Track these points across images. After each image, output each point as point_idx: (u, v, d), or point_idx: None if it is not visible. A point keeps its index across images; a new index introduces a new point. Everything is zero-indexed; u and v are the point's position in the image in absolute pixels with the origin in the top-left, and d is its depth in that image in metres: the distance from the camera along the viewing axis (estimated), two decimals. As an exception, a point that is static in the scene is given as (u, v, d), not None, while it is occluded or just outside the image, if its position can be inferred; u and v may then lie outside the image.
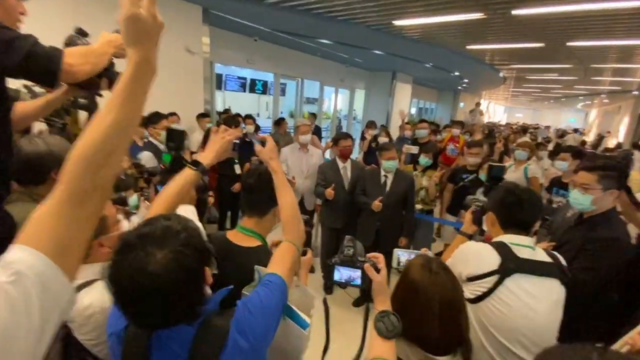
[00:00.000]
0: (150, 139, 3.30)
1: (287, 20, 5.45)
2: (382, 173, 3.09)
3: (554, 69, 8.98)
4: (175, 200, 1.08)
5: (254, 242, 1.24)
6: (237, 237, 1.26)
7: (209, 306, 0.82)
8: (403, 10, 4.63)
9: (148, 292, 0.67)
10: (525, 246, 1.29)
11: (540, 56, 7.22)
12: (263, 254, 1.19)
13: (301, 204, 3.59)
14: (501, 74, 10.59)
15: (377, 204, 2.93)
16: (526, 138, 8.39)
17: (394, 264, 1.38)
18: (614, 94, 14.01)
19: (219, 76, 8.48)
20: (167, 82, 4.60)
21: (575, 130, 17.17)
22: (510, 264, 1.23)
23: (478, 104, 9.89)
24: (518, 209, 1.33)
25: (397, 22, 5.21)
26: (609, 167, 1.66)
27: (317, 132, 7.09)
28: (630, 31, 4.87)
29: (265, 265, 1.01)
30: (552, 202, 3.49)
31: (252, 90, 9.31)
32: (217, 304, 0.85)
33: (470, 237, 1.64)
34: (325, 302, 1.23)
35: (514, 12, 4.28)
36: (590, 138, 16.34)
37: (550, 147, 7.08)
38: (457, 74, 10.68)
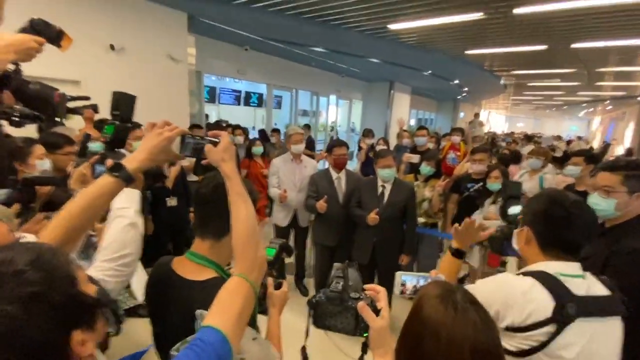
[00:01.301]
0: (122, 150, 3.03)
1: (278, 26, 5.29)
2: (379, 183, 2.82)
3: (557, 74, 8.83)
4: (79, 222, 0.80)
5: (206, 274, 0.94)
6: (184, 266, 0.97)
7: None
8: (398, 12, 4.46)
9: None
10: (576, 276, 1.03)
11: (543, 60, 7.06)
12: (217, 291, 0.89)
13: (295, 219, 3.31)
14: (502, 81, 10.46)
15: (372, 217, 2.67)
16: (532, 146, 8.21)
17: (396, 290, 1.10)
18: (618, 100, 13.88)
19: (213, 89, 8.36)
20: (149, 94, 4.38)
21: (579, 138, 17.00)
22: (570, 309, 0.96)
23: (477, 115, 9.64)
24: (566, 226, 1.05)
25: (393, 26, 5.04)
26: (634, 166, 1.46)
27: (310, 144, 6.85)
28: (638, 29, 4.69)
29: None
30: None
31: (246, 103, 9.17)
32: None
33: (460, 256, 1.33)
34: (304, 352, 0.93)
35: (516, 11, 4.10)
36: (595, 146, 16.15)
37: (558, 155, 6.83)
38: (456, 82, 10.55)
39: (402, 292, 1.09)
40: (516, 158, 5.31)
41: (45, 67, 3.78)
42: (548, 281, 1.00)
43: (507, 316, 0.99)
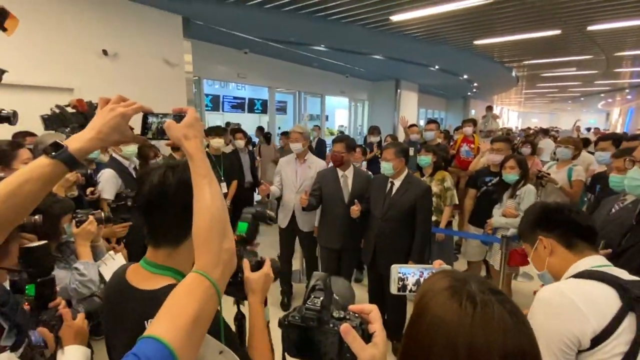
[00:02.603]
0: (114, 154, 2.93)
1: (275, 25, 5.21)
2: (389, 179, 2.63)
3: (572, 62, 8.53)
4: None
5: (162, 281, 0.79)
6: (138, 275, 0.83)
7: None
8: (400, 2, 4.31)
9: None
10: (608, 265, 1.04)
11: (556, 47, 6.80)
12: None
13: (293, 221, 3.15)
14: (513, 73, 10.18)
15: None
16: (549, 140, 7.89)
17: (393, 288, 0.88)
18: (638, 87, 13.40)
19: (216, 97, 8.39)
20: (144, 101, 4.29)
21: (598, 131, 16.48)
22: (636, 289, 0.93)
23: (490, 108, 9.33)
24: (574, 213, 1.11)
25: (396, 18, 4.90)
26: None
27: (320, 145, 6.72)
28: (662, 5, 4.43)
29: None
30: (599, 201, 2.97)
31: (251, 110, 9.18)
32: None
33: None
34: None
35: (526, -9, 3.91)
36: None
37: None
38: (465, 77, 10.33)
39: (401, 290, 0.88)
40: (534, 151, 5.04)
41: (37, 75, 3.80)
42: (596, 275, 0.97)
43: (584, 325, 0.91)
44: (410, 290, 0.85)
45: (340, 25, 5.18)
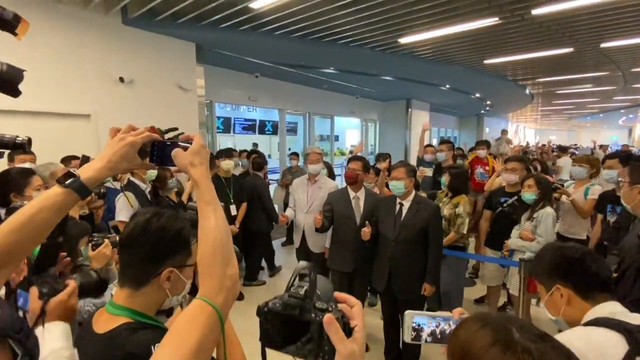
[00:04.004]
0: (132, 178, 3.04)
1: (286, 50, 5.41)
2: (397, 200, 2.63)
3: (588, 78, 8.50)
4: (13, 242, 0.70)
5: (118, 321, 0.85)
6: (101, 318, 0.88)
7: None
8: (407, 25, 4.45)
9: None
10: (622, 312, 1.04)
11: (570, 64, 6.82)
12: (121, 340, 0.80)
13: (304, 241, 3.19)
14: (527, 91, 10.18)
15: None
16: (567, 158, 7.75)
17: (407, 336, 0.84)
18: (661, 103, 13.17)
19: (227, 119, 8.66)
20: (159, 125, 4.48)
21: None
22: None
23: (505, 132, 9.30)
24: (590, 261, 1.10)
25: (404, 40, 5.03)
26: None
27: (329, 170, 6.74)
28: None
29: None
30: (609, 222, 2.90)
31: (261, 131, 9.41)
32: None
33: None
34: None
35: (535, 11, 3.98)
36: (641, 154, 15.19)
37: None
38: (477, 95, 10.37)
39: (415, 339, 0.85)
40: (545, 169, 4.98)
41: (55, 102, 4.02)
42: (604, 322, 0.98)
43: None
44: (425, 341, 0.82)
45: (349, 48, 5.34)
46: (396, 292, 2.57)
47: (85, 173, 0.77)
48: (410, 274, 2.55)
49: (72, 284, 1.07)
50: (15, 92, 1.08)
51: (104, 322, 0.86)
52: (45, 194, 0.75)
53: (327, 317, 0.53)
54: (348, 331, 0.55)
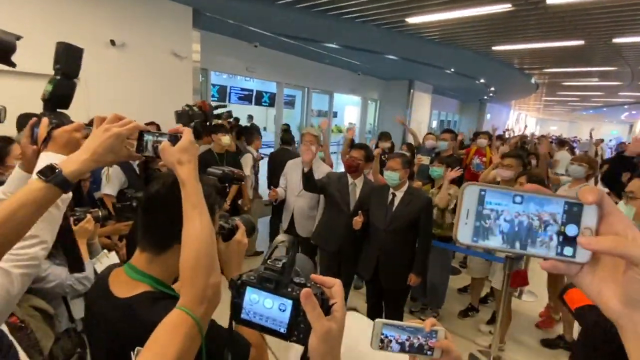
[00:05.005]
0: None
1: (288, 21, 5.22)
2: (390, 190, 2.67)
3: (595, 72, 8.42)
4: None
5: (139, 288, 0.83)
6: (119, 280, 0.87)
7: None
8: (417, 5, 4.30)
9: None
10: None
11: (579, 57, 6.72)
12: (143, 308, 0.79)
13: (292, 225, 3.22)
14: (533, 80, 10.07)
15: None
16: (565, 152, 7.79)
17: (374, 344, 0.77)
18: (665, 101, 13.18)
19: (223, 88, 8.45)
20: (151, 92, 4.39)
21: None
22: None
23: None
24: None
25: (412, 20, 4.89)
26: None
27: None
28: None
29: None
30: None
31: (258, 102, 9.22)
32: None
33: None
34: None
35: (549, 1, 3.87)
36: None
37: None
38: (482, 81, 10.24)
39: (382, 344, 0.78)
40: (539, 165, 5.02)
41: (42, 63, 3.85)
42: None
43: None
44: (393, 351, 0.77)
45: (354, 24, 5.17)
46: (383, 281, 2.65)
47: (68, 166, 0.75)
48: (398, 264, 2.63)
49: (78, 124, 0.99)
50: (7, 62, 1.03)
51: (124, 286, 0.84)
52: (25, 188, 0.73)
53: (305, 292, 0.49)
54: (326, 308, 0.52)
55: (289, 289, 0.52)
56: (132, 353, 0.73)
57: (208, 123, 1.39)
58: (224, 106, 1.88)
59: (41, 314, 1.45)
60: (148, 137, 0.83)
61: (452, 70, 8.61)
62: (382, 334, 0.75)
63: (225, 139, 3.69)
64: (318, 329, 0.49)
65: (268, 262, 0.54)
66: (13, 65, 1.01)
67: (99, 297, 0.86)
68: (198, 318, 0.64)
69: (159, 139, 0.81)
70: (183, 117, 1.32)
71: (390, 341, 0.75)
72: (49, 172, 0.72)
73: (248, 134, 4.69)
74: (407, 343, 0.75)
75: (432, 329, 0.73)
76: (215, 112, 1.48)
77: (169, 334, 0.62)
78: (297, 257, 0.60)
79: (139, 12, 4.21)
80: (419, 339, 0.74)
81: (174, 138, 0.78)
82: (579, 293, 1.65)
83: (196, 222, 0.71)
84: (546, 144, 5.75)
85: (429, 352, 0.73)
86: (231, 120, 4.84)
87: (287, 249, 0.55)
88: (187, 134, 0.78)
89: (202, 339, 0.65)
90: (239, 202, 4.00)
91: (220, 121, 3.69)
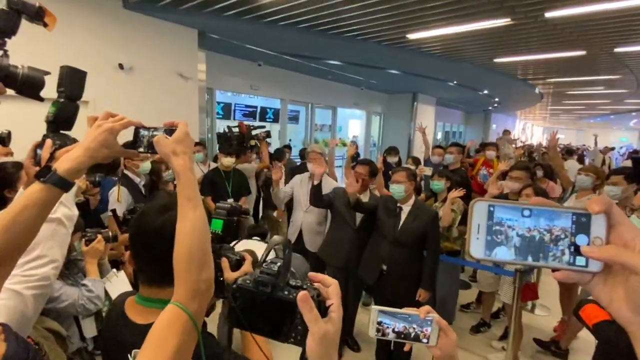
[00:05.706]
0: (126, 171, 3.07)
1: (290, 40, 5.38)
2: (397, 204, 2.70)
3: (599, 81, 8.45)
4: (2, 239, 0.71)
5: (155, 314, 0.87)
6: (134, 309, 0.90)
7: None
8: (416, 22, 4.42)
9: None
10: None
11: (582, 67, 6.78)
12: None
13: (300, 240, 3.24)
14: (537, 90, 10.13)
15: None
16: (574, 162, 7.74)
17: (371, 331, 0.81)
18: (674, 107, 13.11)
19: (228, 105, 8.62)
20: (158, 111, 4.52)
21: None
22: None
23: (507, 132, 9.09)
24: None
25: (412, 36, 5.00)
26: None
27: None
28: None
29: None
30: None
31: (262, 118, 9.38)
32: None
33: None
34: None
35: (548, 14, 3.96)
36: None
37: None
38: (486, 92, 10.32)
39: (379, 332, 0.81)
40: (549, 173, 4.98)
41: (51, 88, 3.99)
42: None
43: None
44: (389, 337, 0.79)
45: (356, 41, 5.31)
46: (389, 296, 2.65)
47: (62, 165, 0.76)
48: (406, 278, 2.63)
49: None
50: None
51: (141, 314, 0.87)
52: (27, 191, 0.75)
53: (302, 294, 0.50)
54: (323, 310, 0.53)
55: (286, 292, 0.53)
56: (129, 356, 0.76)
57: (245, 144, 1.41)
58: (263, 127, 1.92)
59: (54, 335, 1.48)
60: (144, 133, 0.83)
61: (455, 82, 8.71)
62: (378, 321, 0.77)
63: (225, 160, 3.82)
64: (315, 331, 0.50)
65: (263, 265, 0.55)
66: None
67: (119, 325, 0.89)
68: (192, 313, 0.65)
69: (155, 133, 0.81)
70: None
71: (387, 328, 0.77)
72: (45, 173, 0.75)
73: (280, 154, 4.93)
74: (404, 332, 0.77)
75: (427, 316, 0.75)
76: (254, 132, 1.54)
77: (165, 330, 0.63)
78: (292, 258, 0.60)
79: (146, 36, 4.38)
80: (414, 328, 0.76)
81: (170, 131, 0.79)
82: (595, 308, 1.65)
83: (189, 216, 0.71)
84: (556, 155, 5.31)
85: (424, 340, 0.75)
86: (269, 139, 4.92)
87: (283, 251, 0.56)
88: (183, 126, 0.80)
89: (198, 334, 0.66)
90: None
91: (256, 141, 4.02)
